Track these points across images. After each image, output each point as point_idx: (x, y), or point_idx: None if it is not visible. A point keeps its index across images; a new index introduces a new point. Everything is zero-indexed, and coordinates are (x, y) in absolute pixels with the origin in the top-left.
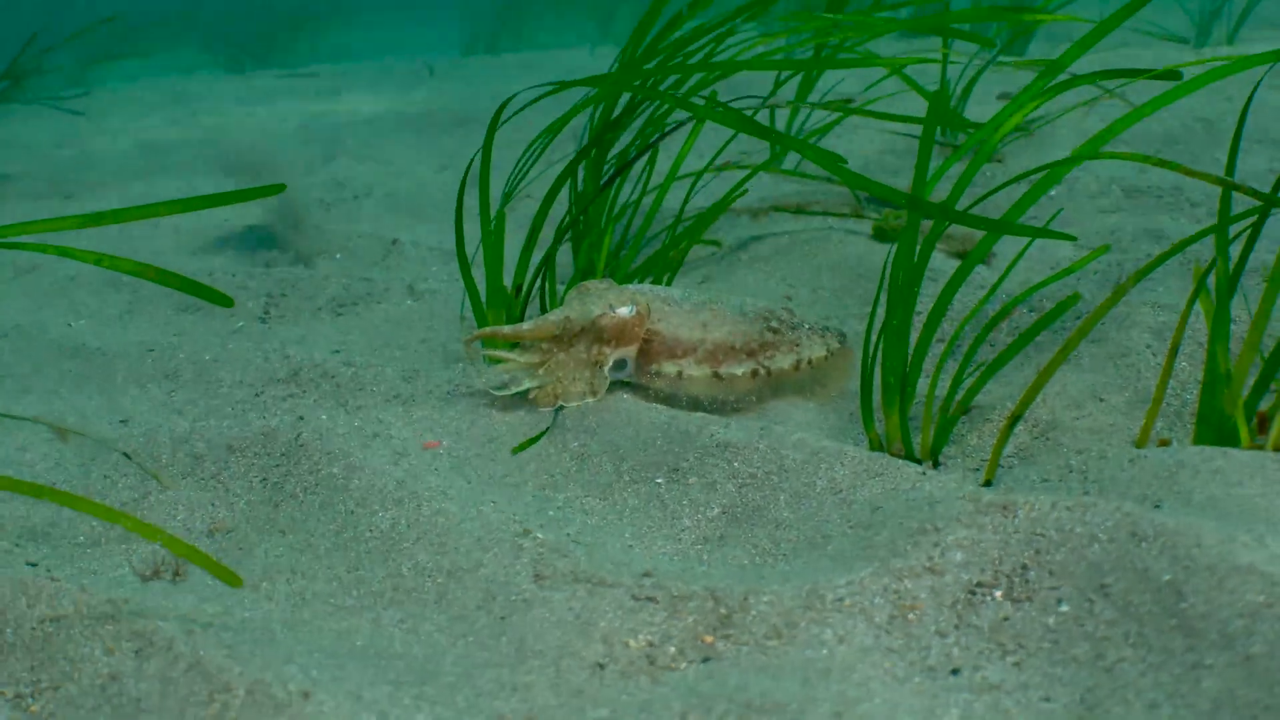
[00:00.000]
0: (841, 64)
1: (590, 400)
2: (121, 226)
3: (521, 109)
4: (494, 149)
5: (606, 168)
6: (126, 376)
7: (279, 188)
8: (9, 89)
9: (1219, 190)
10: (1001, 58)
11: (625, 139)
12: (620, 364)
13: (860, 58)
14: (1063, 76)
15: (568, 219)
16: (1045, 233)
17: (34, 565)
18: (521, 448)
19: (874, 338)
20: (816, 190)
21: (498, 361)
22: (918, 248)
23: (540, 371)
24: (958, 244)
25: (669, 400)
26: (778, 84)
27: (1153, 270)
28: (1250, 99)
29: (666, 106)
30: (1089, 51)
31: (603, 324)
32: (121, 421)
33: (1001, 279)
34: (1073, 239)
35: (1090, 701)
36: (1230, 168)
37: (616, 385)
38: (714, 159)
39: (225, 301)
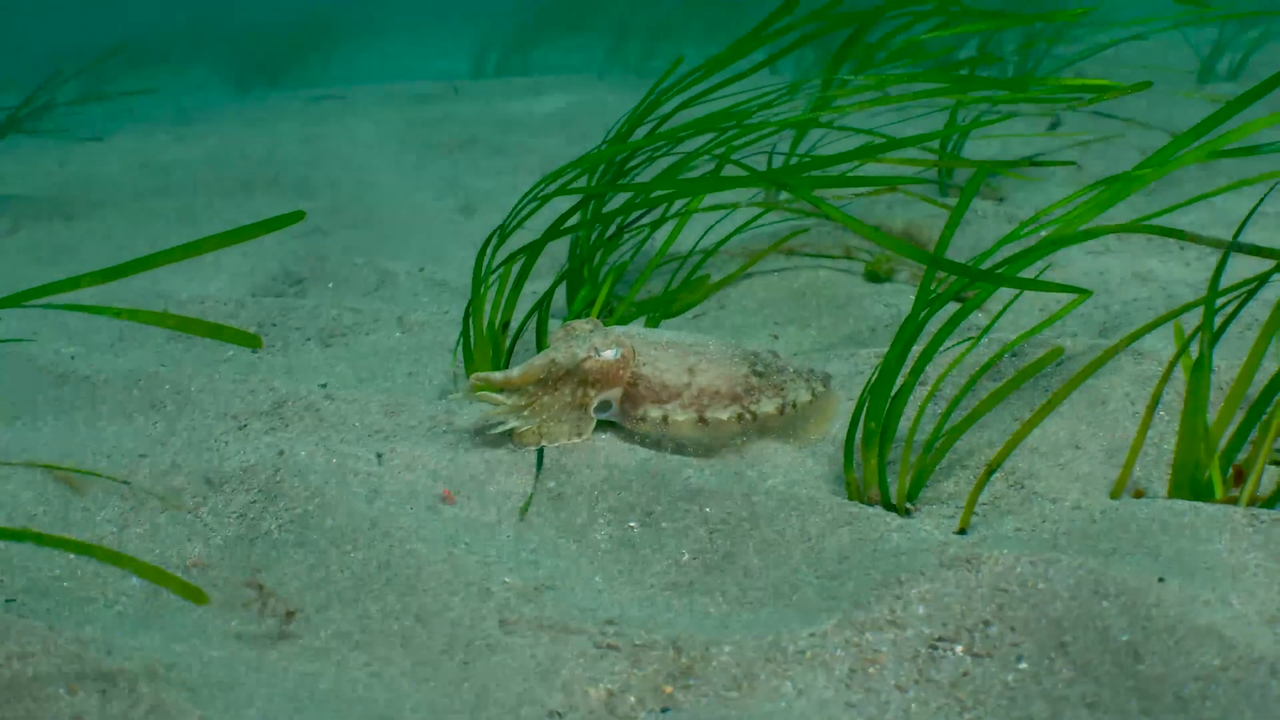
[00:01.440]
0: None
1: (576, 440)
2: (131, 249)
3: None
4: (498, 173)
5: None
6: (113, 407)
7: (298, 215)
8: (15, 121)
9: (1214, 230)
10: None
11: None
12: (605, 405)
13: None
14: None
15: (566, 264)
16: (1052, 286)
17: (11, 600)
18: (524, 510)
19: (866, 387)
20: (812, 233)
21: (484, 399)
22: (923, 312)
23: (525, 412)
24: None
25: (653, 443)
26: (794, 144)
27: (1142, 335)
28: None
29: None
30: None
31: (587, 367)
32: (105, 454)
33: (986, 330)
34: (1087, 294)
35: None
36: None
37: (598, 425)
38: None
39: (253, 342)
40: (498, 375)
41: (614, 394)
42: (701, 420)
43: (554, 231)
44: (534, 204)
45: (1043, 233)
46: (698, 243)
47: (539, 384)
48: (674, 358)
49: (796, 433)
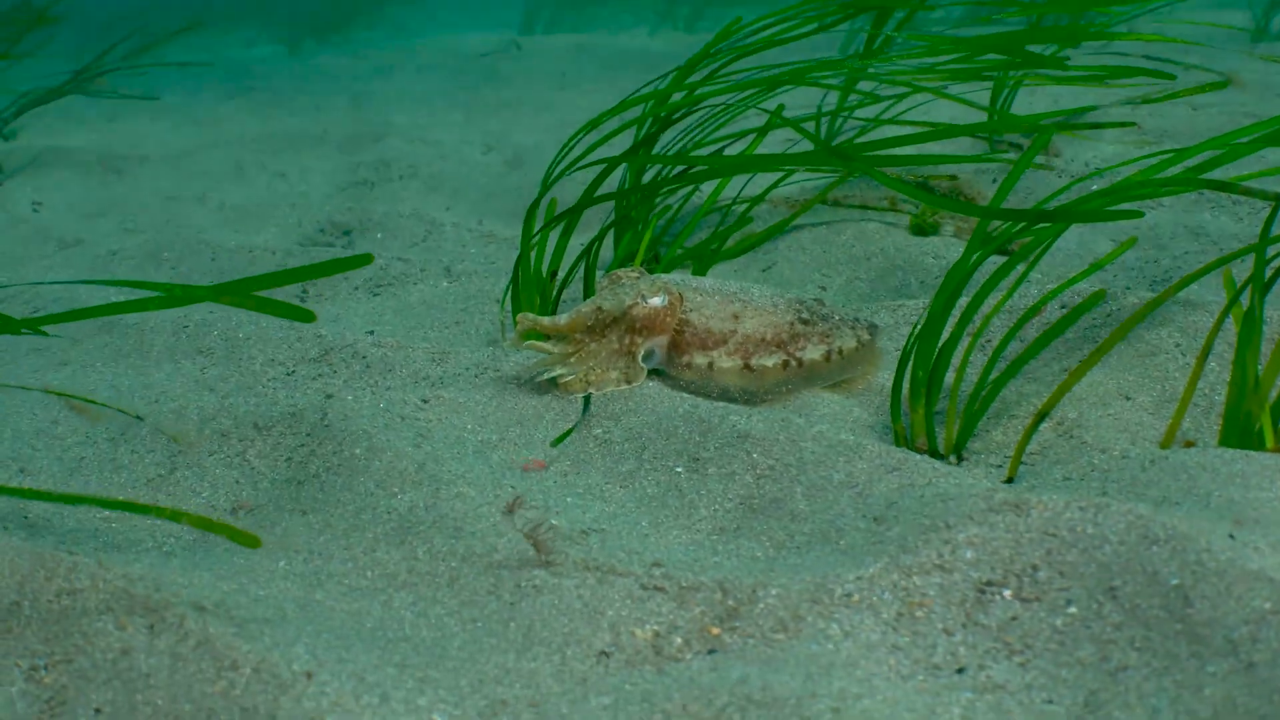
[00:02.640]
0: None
1: (624, 387)
2: (178, 201)
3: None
4: (545, 130)
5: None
6: (161, 352)
7: (367, 259)
8: (76, 82)
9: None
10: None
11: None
12: (650, 353)
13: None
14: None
15: (613, 214)
16: (1108, 214)
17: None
18: (558, 442)
19: (911, 334)
20: (856, 184)
21: (531, 347)
22: (975, 256)
23: (572, 360)
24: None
25: (698, 390)
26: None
27: (1193, 281)
28: None
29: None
30: (1139, 43)
31: (635, 313)
32: (153, 398)
33: (1027, 271)
34: (1139, 215)
35: (1093, 704)
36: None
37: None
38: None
39: (307, 316)
40: (545, 320)
41: (660, 341)
42: (747, 367)
43: (590, 195)
44: (578, 158)
45: (1094, 186)
46: (741, 190)
47: (586, 331)
48: (719, 304)
49: (843, 380)
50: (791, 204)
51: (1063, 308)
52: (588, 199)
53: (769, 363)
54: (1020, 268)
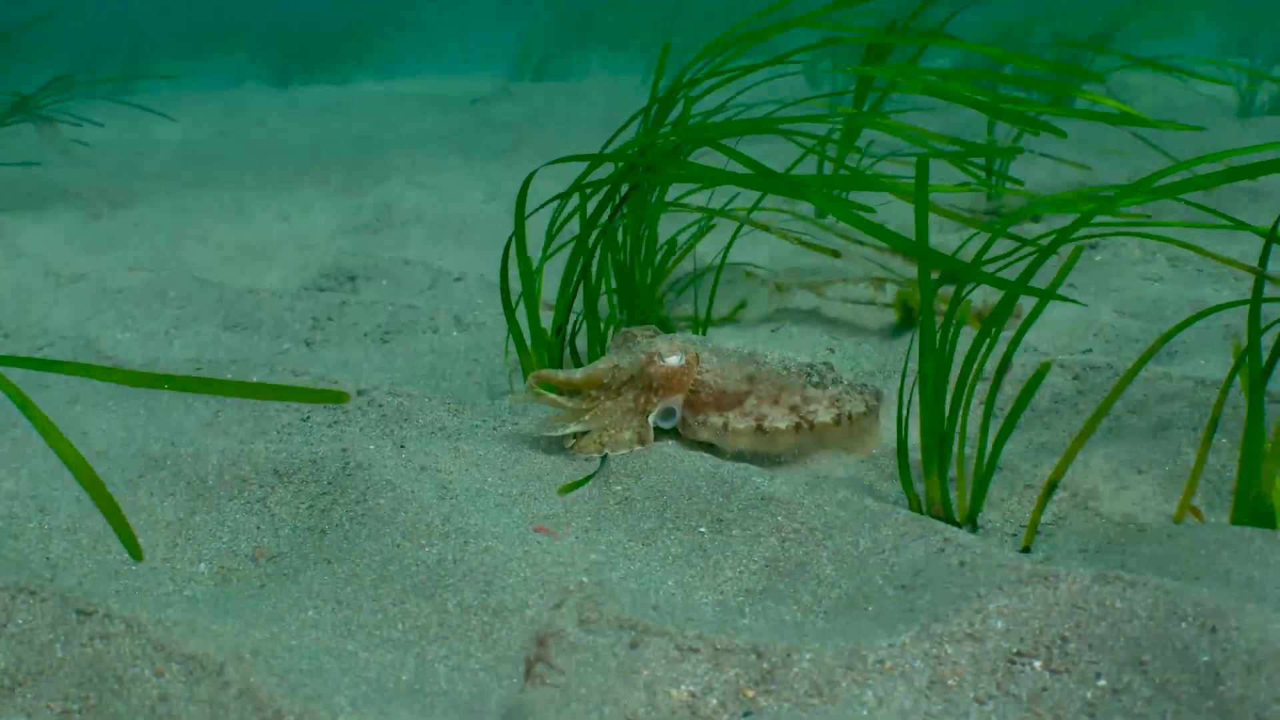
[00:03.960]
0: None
1: (638, 448)
2: (179, 237)
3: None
4: (545, 181)
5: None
6: (173, 394)
7: (342, 397)
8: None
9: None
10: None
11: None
12: (667, 413)
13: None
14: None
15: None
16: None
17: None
18: (568, 489)
19: (906, 400)
20: (837, 264)
21: (545, 398)
22: (952, 328)
23: (586, 417)
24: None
25: (711, 450)
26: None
27: (1176, 335)
28: None
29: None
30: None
31: (652, 372)
32: (168, 439)
33: (1019, 336)
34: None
35: None
36: (1265, 254)
37: (660, 432)
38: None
39: (340, 399)
40: (560, 374)
41: (676, 400)
42: (760, 429)
43: (589, 227)
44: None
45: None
46: (726, 250)
47: (601, 388)
48: (734, 366)
49: (851, 444)
50: (777, 285)
51: (1074, 379)
52: (576, 258)
53: (782, 425)
54: (1028, 337)
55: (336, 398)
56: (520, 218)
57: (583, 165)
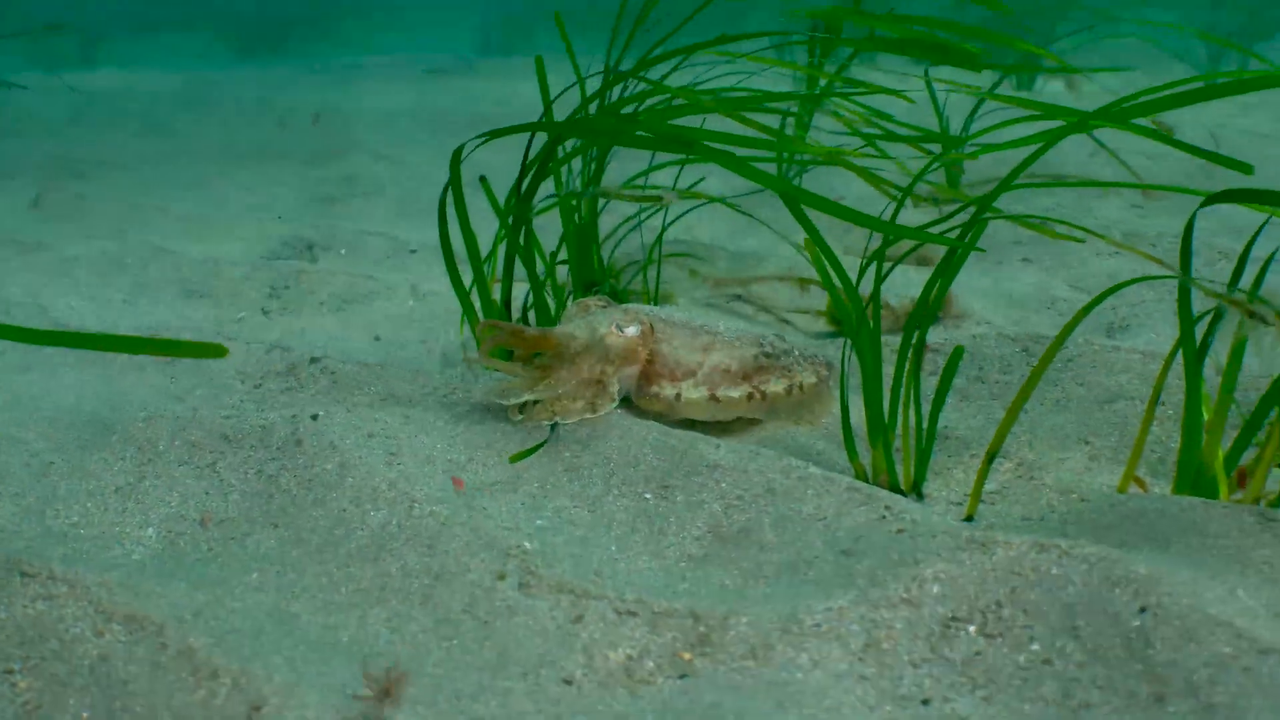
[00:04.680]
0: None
1: (589, 416)
2: (141, 210)
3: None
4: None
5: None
6: (127, 360)
7: (221, 350)
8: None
9: (1221, 238)
10: (1012, 92)
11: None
12: (620, 382)
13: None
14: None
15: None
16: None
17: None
18: (518, 458)
19: (848, 371)
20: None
21: (498, 365)
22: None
23: (540, 387)
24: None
25: (660, 419)
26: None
27: (1101, 302)
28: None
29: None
30: (1095, 74)
31: (610, 343)
32: (120, 405)
33: (941, 285)
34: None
35: None
36: (1185, 253)
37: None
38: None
39: (219, 352)
40: (514, 325)
41: (631, 371)
42: (713, 398)
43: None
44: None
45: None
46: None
47: (555, 357)
48: (689, 336)
49: (802, 414)
50: (715, 281)
51: (1022, 351)
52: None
53: (735, 394)
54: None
55: (216, 351)
56: (456, 181)
57: (537, 138)
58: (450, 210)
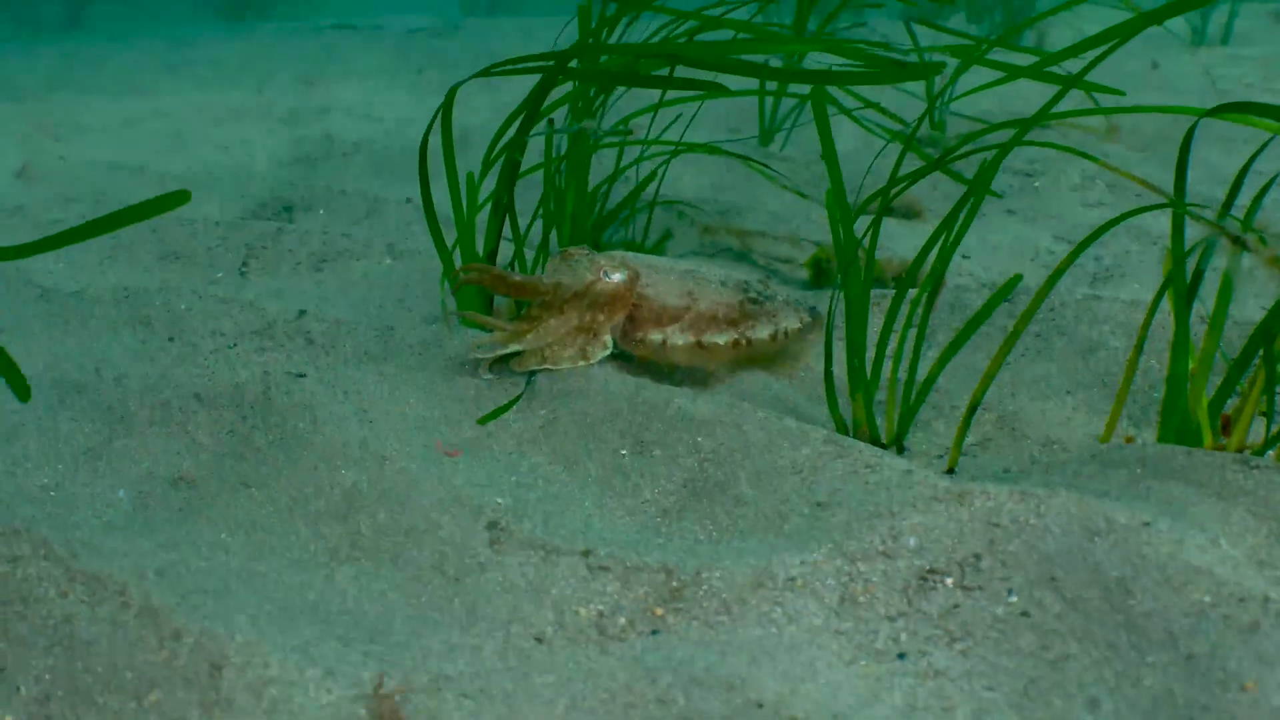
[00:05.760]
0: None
1: (580, 365)
2: (117, 172)
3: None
4: (494, 111)
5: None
6: (101, 321)
7: (184, 196)
8: None
9: (1204, 186)
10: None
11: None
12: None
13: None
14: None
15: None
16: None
17: None
18: (485, 419)
19: (833, 323)
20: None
21: (477, 325)
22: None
23: (528, 337)
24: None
25: (647, 367)
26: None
27: (1091, 243)
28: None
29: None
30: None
31: (598, 289)
32: (93, 366)
33: (947, 253)
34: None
35: (1033, 693)
36: (1180, 177)
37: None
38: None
39: (181, 199)
40: (497, 270)
41: (619, 318)
42: (699, 344)
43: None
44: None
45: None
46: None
47: (543, 306)
48: (674, 282)
49: (789, 360)
50: (705, 228)
51: (1006, 302)
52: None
53: (720, 340)
54: (962, 262)
55: (179, 198)
56: (447, 122)
57: (524, 93)
58: (442, 168)
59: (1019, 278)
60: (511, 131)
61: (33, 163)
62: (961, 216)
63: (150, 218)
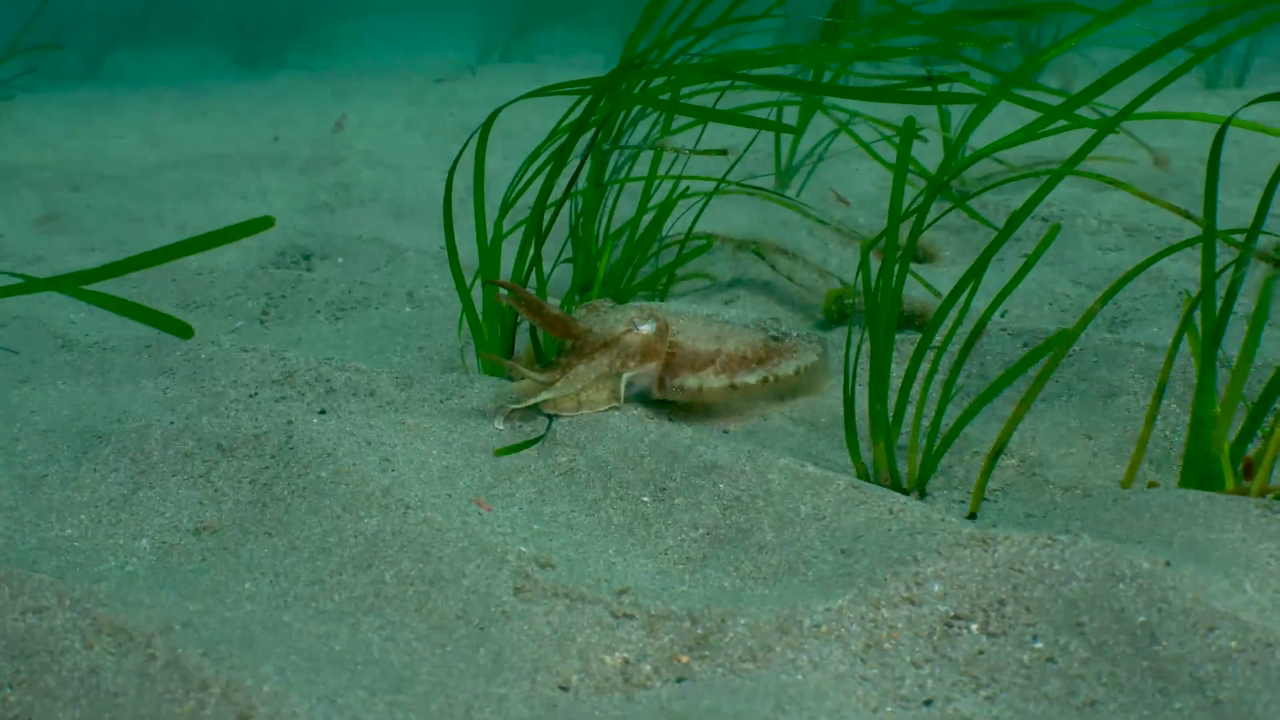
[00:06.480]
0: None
1: (615, 405)
2: (139, 222)
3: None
4: (505, 156)
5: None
6: (122, 371)
7: (268, 221)
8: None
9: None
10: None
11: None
12: (639, 379)
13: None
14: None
15: (568, 235)
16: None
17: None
18: (504, 452)
19: (853, 369)
20: (801, 233)
21: (497, 367)
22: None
23: (559, 384)
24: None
25: (679, 410)
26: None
27: (1121, 288)
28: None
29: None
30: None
31: (629, 340)
32: (115, 417)
33: (976, 299)
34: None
35: None
36: (1210, 207)
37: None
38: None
39: (185, 332)
40: (531, 295)
41: (652, 367)
42: (732, 386)
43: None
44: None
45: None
46: (691, 224)
47: (574, 351)
48: (701, 327)
49: (806, 392)
50: (737, 244)
51: (1024, 346)
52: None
53: (751, 380)
54: (979, 304)
55: (263, 223)
56: (481, 149)
57: (538, 139)
58: (458, 212)
59: (1065, 333)
60: (531, 173)
61: (52, 212)
62: (989, 263)
63: (236, 240)
